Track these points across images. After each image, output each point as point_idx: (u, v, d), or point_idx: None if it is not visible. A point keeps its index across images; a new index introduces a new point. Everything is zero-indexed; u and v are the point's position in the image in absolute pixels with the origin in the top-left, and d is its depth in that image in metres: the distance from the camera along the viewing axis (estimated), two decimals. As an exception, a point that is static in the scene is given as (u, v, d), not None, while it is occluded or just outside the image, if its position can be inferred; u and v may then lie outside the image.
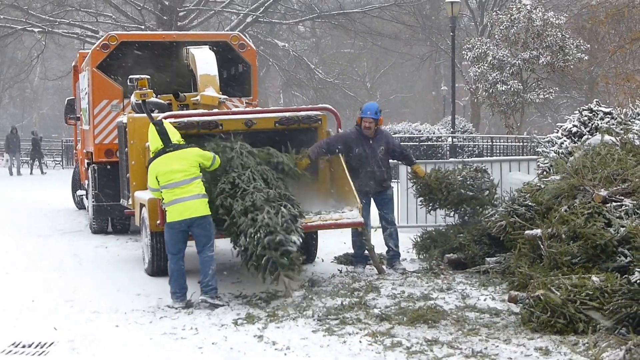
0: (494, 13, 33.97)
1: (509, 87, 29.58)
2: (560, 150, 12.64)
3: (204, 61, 13.12)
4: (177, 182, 9.28)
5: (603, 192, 8.93)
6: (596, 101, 13.99)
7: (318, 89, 38.84)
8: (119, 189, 13.77)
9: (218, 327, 8.30)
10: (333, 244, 12.46)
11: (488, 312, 8.39)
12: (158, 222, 10.14)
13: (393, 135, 14.49)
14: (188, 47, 13.85)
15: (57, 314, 9.08)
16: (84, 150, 16.92)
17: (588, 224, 8.47)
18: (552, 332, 7.39)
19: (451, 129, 30.78)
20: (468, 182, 11.30)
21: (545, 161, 12.60)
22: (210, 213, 9.37)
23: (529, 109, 37.65)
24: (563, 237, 8.60)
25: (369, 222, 11.09)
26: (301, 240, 9.32)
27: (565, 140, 12.97)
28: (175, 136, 9.60)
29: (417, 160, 11.88)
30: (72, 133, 23.70)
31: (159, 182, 9.40)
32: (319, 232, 11.38)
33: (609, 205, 8.76)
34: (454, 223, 11.84)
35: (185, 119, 10.86)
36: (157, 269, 10.98)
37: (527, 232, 9.36)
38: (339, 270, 10.99)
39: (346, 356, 7.13)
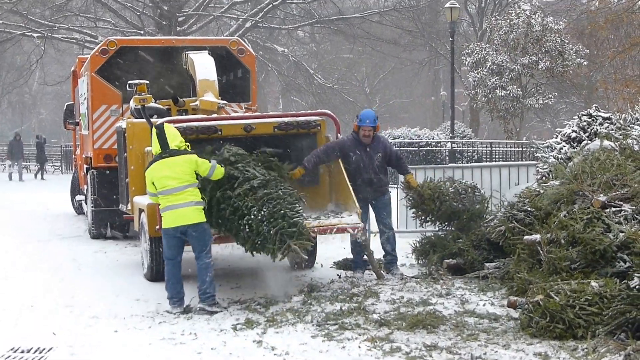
0: (493, 18, 34.06)
1: (508, 92, 29.62)
2: (560, 156, 12.65)
3: (203, 66, 13.12)
4: (170, 189, 9.26)
5: (602, 198, 8.93)
6: (595, 106, 14.00)
7: (317, 94, 38.86)
8: (118, 194, 13.77)
9: (217, 332, 8.29)
10: (332, 249, 12.45)
11: (487, 317, 8.39)
12: (157, 227, 10.13)
13: (391, 141, 14.46)
14: (187, 52, 13.86)
15: (56, 319, 9.07)
16: (83, 155, 16.91)
17: (587, 229, 8.47)
18: (551, 338, 7.39)
19: (450, 134, 30.80)
20: (461, 195, 11.32)
21: (545, 166, 12.61)
22: (205, 220, 9.30)
23: (528, 114, 37.69)
24: (562, 243, 8.60)
25: (368, 227, 11.08)
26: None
27: (564, 146, 12.99)
28: (174, 141, 9.50)
29: (417, 166, 11.86)
30: (71, 138, 23.71)
31: (156, 187, 9.39)
32: (318, 237, 11.36)
33: (608, 210, 8.75)
34: (452, 229, 11.82)
35: (184, 124, 10.85)
36: (156, 274, 10.96)
37: (526, 237, 9.35)
38: (338, 275, 10.98)
39: (345, 361, 7.13)
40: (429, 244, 11.64)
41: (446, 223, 11.61)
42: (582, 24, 35.78)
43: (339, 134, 11.60)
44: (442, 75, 57.85)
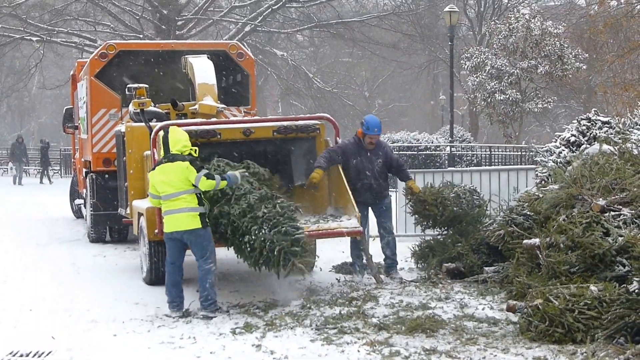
0: (493, 22, 34.02)
1: (507, 96, 29.59)
2: (559, 160, 12.65)
3: (202, 70, 13.12)
4: (167, 195, 9.28)
5: (601, 202, 8.93)
6: (594, 110, 14.00)
7: (316, 98, 38.83)
8: (117, 197, 13.76)
9: (216, 336, 8.29)
10: (331, 253, 12.45)
11: (486, 321, 8.39)
12: (156, 231, 10.13)
13: (390, 145, 14.45)
14: (186, 56, 13.86)
15: (55, 322, 9.07)
16: (82, 159, 16.92)
17: (586, 233, 8.48)
18: (550, 342, 7.39)
19: (449, 138, 30.80)
20: (461, 199, 11.32)
21: (544, 170, 12.61)
22: (201, 226, 9.24)
23: (528, 119, 37.68)
24: (561, 247, 8.60)
25: (367, 231, 11.08)
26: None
27: (563, 150, 12.99)
28: (176, 145, 9.42)
29: (416, 170, 11.86)
30: (70, 142, 23.71)
31: (158, 191, 9.40)
32: (318, 241, 11.35)
33: (607, 214, 8.76)
34: (452, 232, 11.82)
35: (183, 128, 10.83)
36: (155, 278, 10.95)
37: (525, 241, 9.35)
38: (337, 279, 10.97)
39: (344, 365, 7.14)
40: (428, 248, 11.63)
41: (446, 228, 11.61)
42: (582, 28, 35.80)
43: (338, 138, 11.58)
44: (441, 79, 57.81)
